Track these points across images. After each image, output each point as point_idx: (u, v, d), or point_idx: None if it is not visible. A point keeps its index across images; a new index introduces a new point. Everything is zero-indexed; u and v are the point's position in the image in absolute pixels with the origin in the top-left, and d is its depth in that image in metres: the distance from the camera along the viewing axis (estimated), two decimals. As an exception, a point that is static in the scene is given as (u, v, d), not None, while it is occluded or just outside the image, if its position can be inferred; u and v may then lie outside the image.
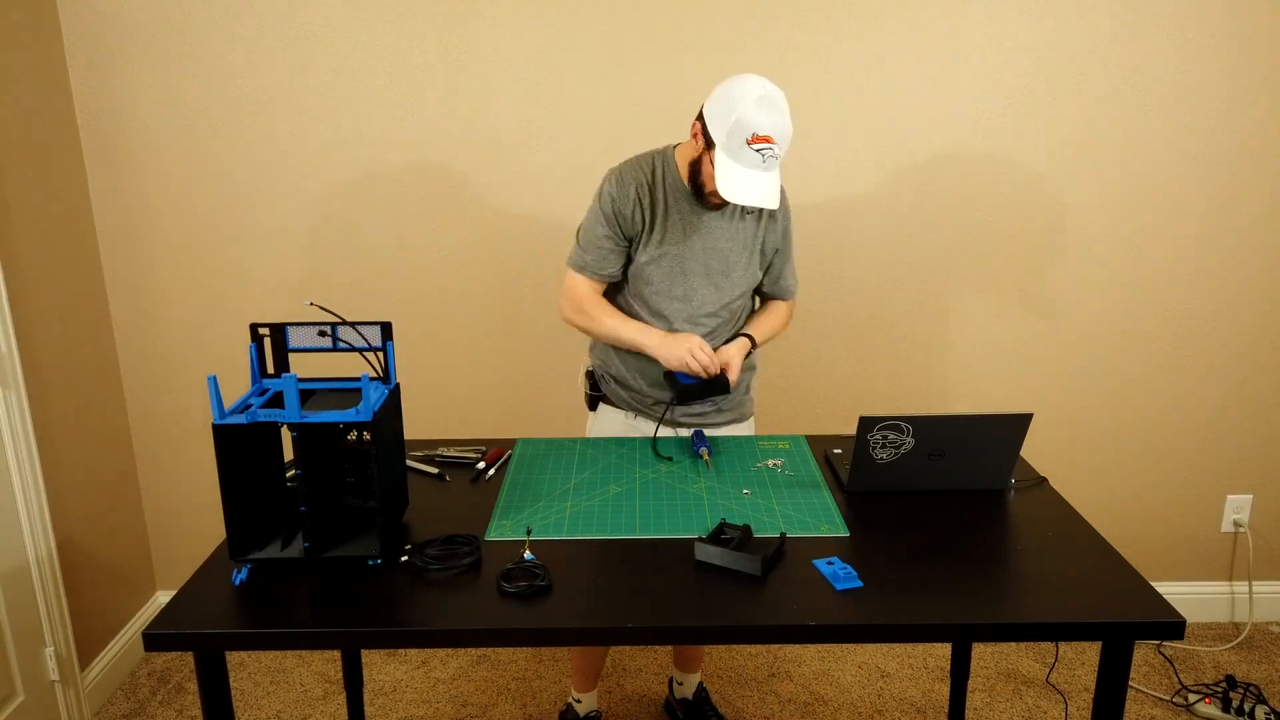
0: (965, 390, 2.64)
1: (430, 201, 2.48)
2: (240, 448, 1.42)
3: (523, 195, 2.48)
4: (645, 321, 1.94)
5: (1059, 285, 2.55)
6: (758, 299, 2.11)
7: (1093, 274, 2.54)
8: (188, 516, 2.74)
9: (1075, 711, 2.41)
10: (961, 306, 2.57)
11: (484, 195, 2.48)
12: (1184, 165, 2.45)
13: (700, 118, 1.76)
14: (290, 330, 1.52)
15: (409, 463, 1.85)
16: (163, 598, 2.80)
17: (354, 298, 2.56)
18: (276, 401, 1.47)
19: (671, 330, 1.92)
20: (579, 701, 2.28)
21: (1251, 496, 2.71)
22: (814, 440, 1.98)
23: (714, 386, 1.90)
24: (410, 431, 2.65)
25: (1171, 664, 2.60)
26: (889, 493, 1.70)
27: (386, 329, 1.53)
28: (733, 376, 1.89)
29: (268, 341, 1.52)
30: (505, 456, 1.90)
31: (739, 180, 1.70)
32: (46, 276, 2.29)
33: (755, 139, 1.67)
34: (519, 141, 2.43)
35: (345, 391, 1.55)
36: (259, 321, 1.61)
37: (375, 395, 1.45)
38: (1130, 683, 2.50)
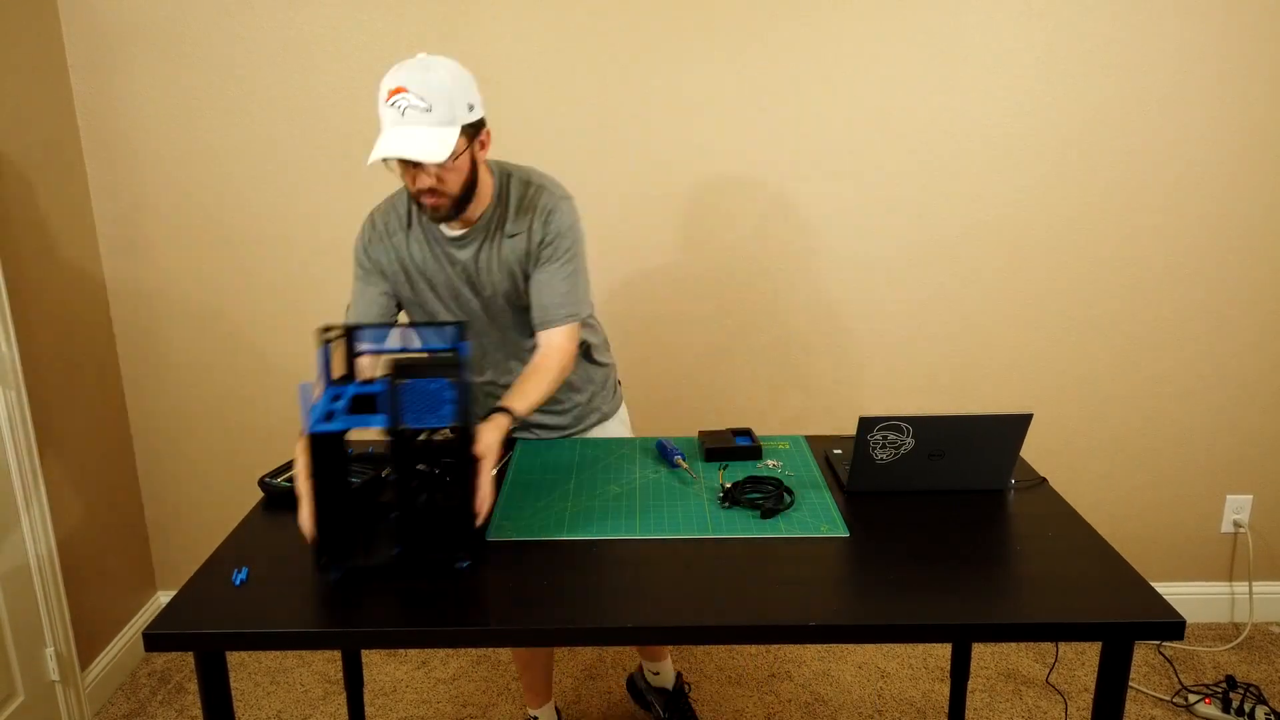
0: (965, 390, 2.64)
1: (430, 201, 2.49)
2: (327, 456, 1.38)
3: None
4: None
5: (1059, 285, 2.55)
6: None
7: (1093, 274, 2.54)
8: (188, 516, 2.74)
9: (1075, 711, 2.41)
10: (962, 307, 2.57)
11: (484, 195, 2.48)
12: (1184, 166, 2.45)
13: None
14: (359, 333, 1.49)
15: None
16: (163, 598, 2.80)
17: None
18: (359, 406, 1.41)
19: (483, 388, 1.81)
20: (535, 717, 2.26)
21: (1251, 496, 2.71)
22: (814, 440, 1.98)
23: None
24: (410, 431, 2.65)
25: (1171, 664, 2.60)
26: (889, 493, 1.70)
27: (461, 329, 1.48)
28: (484, 470, 1.45)
29: (332, 344, 1.46)
30: (505, 457, 1.90)
31: (379, 143, 1.54)
32: (46, 276, 2.29)
33: (389, 94, 1.54)
34: (519, 141, 2.43)
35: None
36: (330, 325, 1.53)
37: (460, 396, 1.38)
38: (1130, 683, 2.50)
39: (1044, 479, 1.78)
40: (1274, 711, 2.37)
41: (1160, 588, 2.77)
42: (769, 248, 2.53)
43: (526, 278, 1.76)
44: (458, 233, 1.74)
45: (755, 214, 2.50)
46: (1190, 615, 2.80)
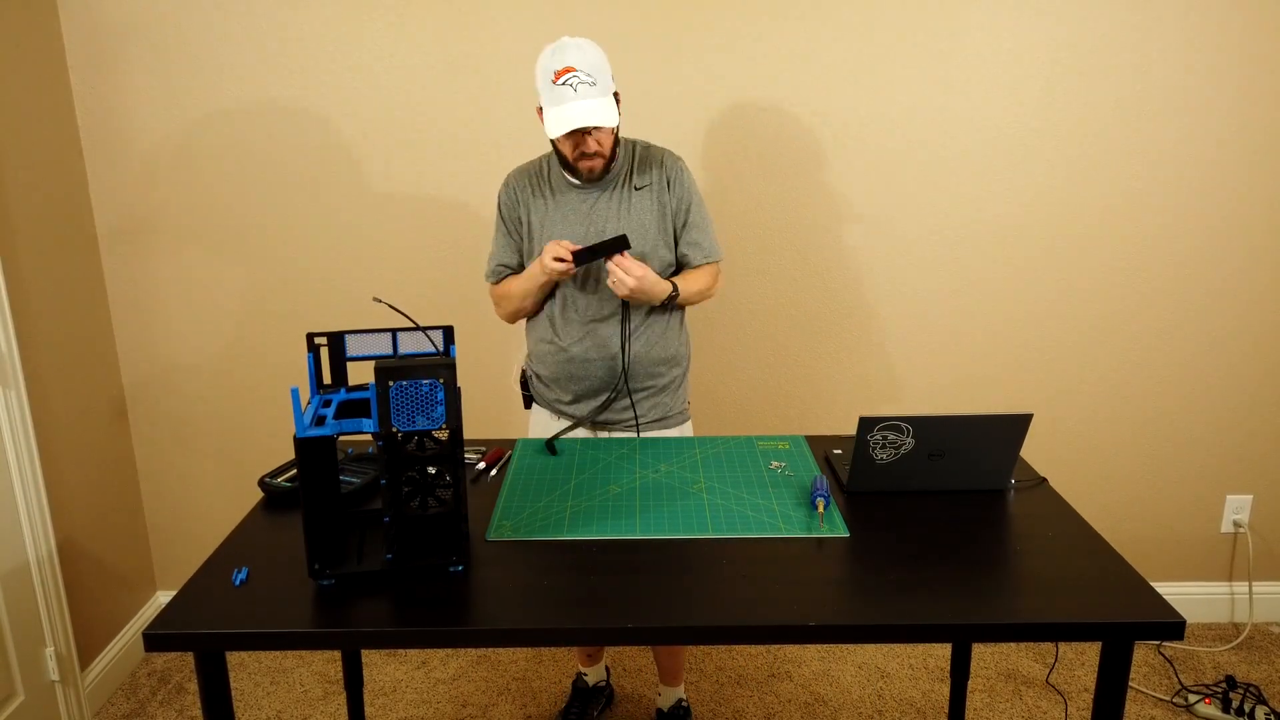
0: (965, 390, 2.64)
1: (430, 201, 2.48)
2: (316, 461, 1.37)
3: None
4: (531, 331, 2.07)
5: (1060, 286, 2.55)
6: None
7: (1093, 275, 2.54)
8: (188, 516, 2.74)
9: (1075, 712, 2.41)
10: (962, 307, 2.57)
11: (484, 195, 2.48)
12: (1186, 168, 2.45)
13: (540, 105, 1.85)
14: (348, 339, 1.50)
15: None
16: (163, 598, 2.80)
17: (353, 297, 2.56)
18: (346, 411, 1.43)
19: (587, 325, 1.98)
20: (585, 675, 2.38)
21: (1251, 496, 2.71)
22: (814, 440, 1.98)
23: (612, 244, 1.84)
24: (410, 431, 2.65)
25: (1171, 664, 2.60)
26: (889, 493, 1.70)
27: (449, 333, 1.51)
28: (627, 275, 1.82)
29: (324, 351, 1.46)
30: (505, 457, 1.90)
31: (558, 114, 1.78)
32: (46, 276, 2.29)
33: (557, 74, 1.77)
34: (520, 142, 2.43)
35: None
36: (316, 331, 1.54)
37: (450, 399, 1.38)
38: (1130, 683, 2.50)
39: (1044, 479, 1.78)
40: (1274, 711, 2.37)
41: (1160, 588, 2.77)
42: (769, 248, 2.53)
43: (655, 225, 1.96)
44: (587, 188, 1.95)
45: (754, 214, 2.50)
46: (1190, 615, 2.80)
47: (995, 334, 2.60)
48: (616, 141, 1.92)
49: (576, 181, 1.95)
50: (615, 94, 1.86)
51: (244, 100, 2.41)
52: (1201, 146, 2.43)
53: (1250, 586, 2.77)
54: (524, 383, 2.14)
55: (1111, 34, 2.35)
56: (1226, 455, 2.68)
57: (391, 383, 1.32)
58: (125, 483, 2.64)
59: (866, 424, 1.63)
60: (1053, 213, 2.49)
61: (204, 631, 1.31)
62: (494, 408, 2.65)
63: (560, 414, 2.07)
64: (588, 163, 1.88)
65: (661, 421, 2.06)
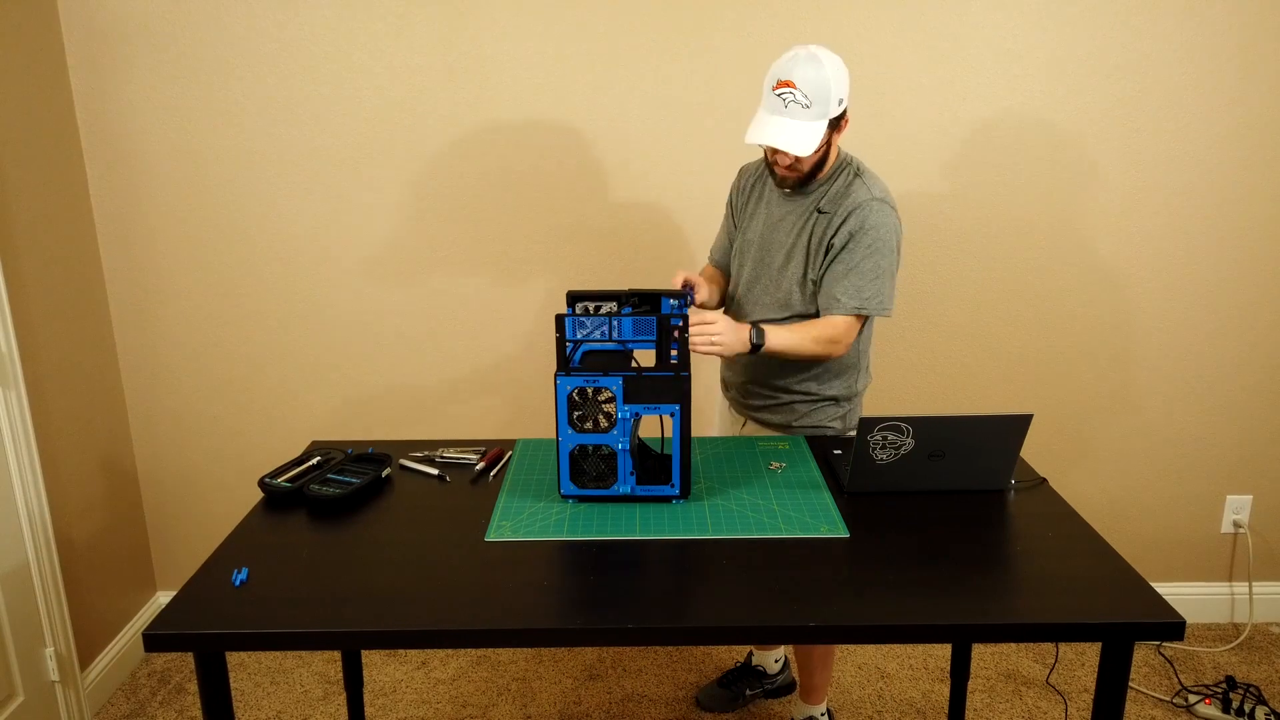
0: (965, 391, 2.64)
1: (429, 202, 2.49)
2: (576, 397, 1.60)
3: (523, 196, 2.48)
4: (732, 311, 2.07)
5: (1059, 286, 2.55)
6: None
7: (1093, 275, 2.54)
8: (188, 516, 2.74)
9: (1075, 712, 2.41)
10: (962, 307, 2.57)
11: (483, 195, 2.48)
12: (1185, 169, 2.45)
13: None
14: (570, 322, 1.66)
15: (407, 463, 1.86)
16: (163, 598, 2.80)
17: (352, 297, 2.56)
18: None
19: (737, 315, 2.02)
20: (753, 654, 2.43)
21: (1251, 497, 2.71)
22: (814, 440, 1.98)
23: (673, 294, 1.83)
24: (410, 432, 2.66)
25: (1171, 664, 2.60)
26: (889, 493, 1.70)
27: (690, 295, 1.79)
28: (695, 329, 1.73)
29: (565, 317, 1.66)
30: (505, 457, 1.90)
31: (759, 123, 1.78)
32: (46, 276, 2.29)
33: (778, 84, 1.75)
34: (520, 142, 2.43)
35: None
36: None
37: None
38: (1130, 683, 2.49)
39: (1044, 479, 1.78)
40: (1274, 712, 2.37)
41: (1160, 588, 2.77)
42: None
43: (806, 250, 1.91)
44: (788, 194, 1.95)
45: (755, 214, 2.50)
46: (1190, 615, 2.80)
47: (995, 334, 2.60)
48: (821, 164, 1.86)
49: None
50: (838, 116, 1.79)
51: (244, 100, 2.41)
52: (1201, 146, 2.43)
53: (1250, 587, 2.77)
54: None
55: (1112, 34, 2.35)
56: (1226, 455, 2.68)
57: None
58: (125, 483, 2.64)
59: (866, 424, 1.63)
60: (1053, 213, 2.49)
61: (204, 632, 1.31)
62: (494, 408, 2.65)
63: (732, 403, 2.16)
64: (781, 172, 1.88)
65: (789, 429, 2.05)
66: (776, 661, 2.44)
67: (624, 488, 1.65)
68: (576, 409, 1.62)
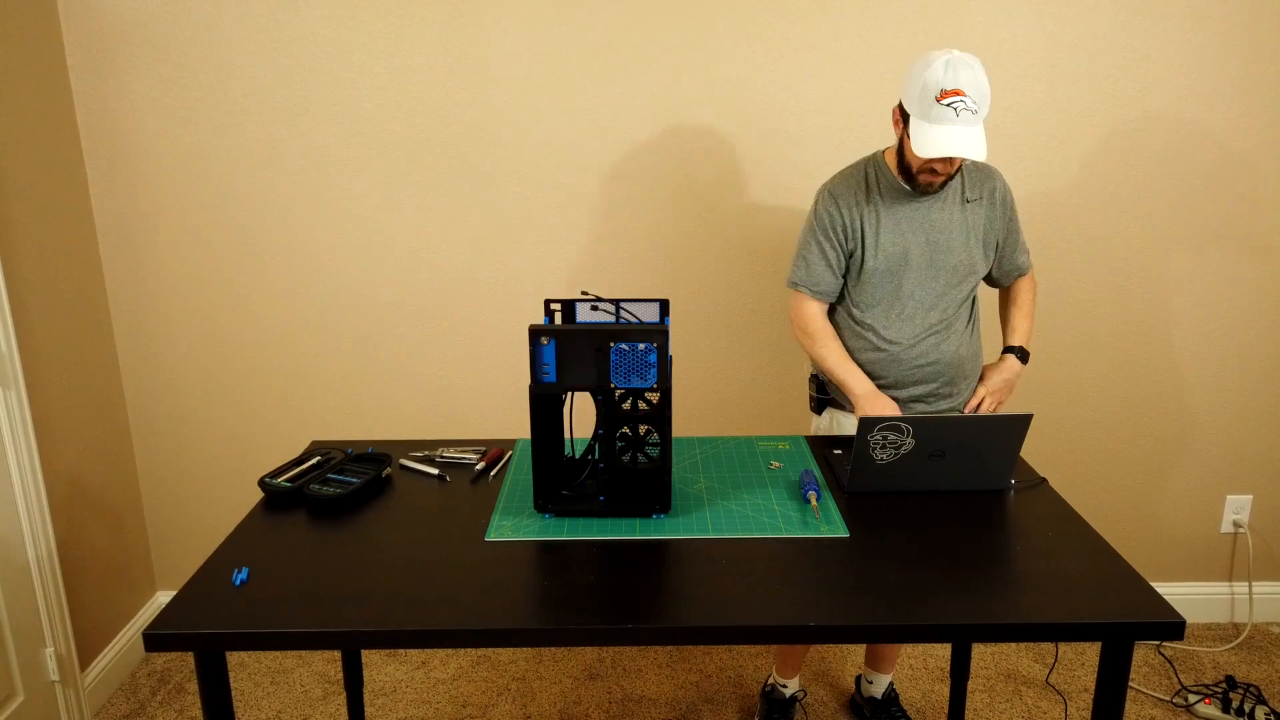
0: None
1: (429, 201, 2.49)
2: (547, 411, 1.56)
3: (523, 197, 2.48)
4: (849, 339, 2.04)
5: (1059, 286, 2.55)
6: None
7: (1093, 275, 2.54)
8: (188, 516, 2.74)
9: (1075, 712, 2.41)
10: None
11: (482, 195, 2.48)
12: (1185, 169, 2.45)
13: (899, 105, 1.84)
14: (578, 305, 1.67)
15: (407, 463, 1.86)
16: (163, 598, 2.80)
17: (352, 296, 2.56)
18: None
19: (877, 378, 2.01)
20: (784, 686, 2.34)
21: (1251, 497, 2.71)
22: (814, 440, 1.98)
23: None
24: (410, 432, 2.66)
25: (1171, 664, 2.60)
26: (889, 493, 1.70)
27: (664, 305, 1.68)
28: (987, 404, 2.08)
29: (558, 316, 1.67)
30: (505, 457, 1.90)
31: (933, 136, 1.75)
32: (46, 276, 2.29)
33: (944, 94, 1.73)
34: (519, 142, 2.43)
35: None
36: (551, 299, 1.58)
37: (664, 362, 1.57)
38: (1130, 683, 2.50)
39: (1044, 479, 1.78)
40: (1274, 712, 2.37)
41: (1160, 588, 2.77)
42: (769, 248, 2.53)
43: (980, 238, 1.98)
44: (919, 197, 1.94)
45: (754, 215, 2.50)
46: (1190, 615, 2.80)
47: (995, 333, 2.59)
48: None
49: (908, 188, 1.92)
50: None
51: (244, 100, 2.41)
52: (1201, 146, 2.43)
53: (1250, 587, 2.77)
54: (819, 386, 2.14)
55: (1111, 35, 2.35)
56: (1226, 455, 2.68)
57: (612, 344, 1.50)
58: (125, 483, 2.64)
59: (866, 424, 1.63)
60: (1052, 213, 2.49)
61: (204, 631, 1.31)
62: (494, 408, 2.65)
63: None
64: (933, 178, 1.87)
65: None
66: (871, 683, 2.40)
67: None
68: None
